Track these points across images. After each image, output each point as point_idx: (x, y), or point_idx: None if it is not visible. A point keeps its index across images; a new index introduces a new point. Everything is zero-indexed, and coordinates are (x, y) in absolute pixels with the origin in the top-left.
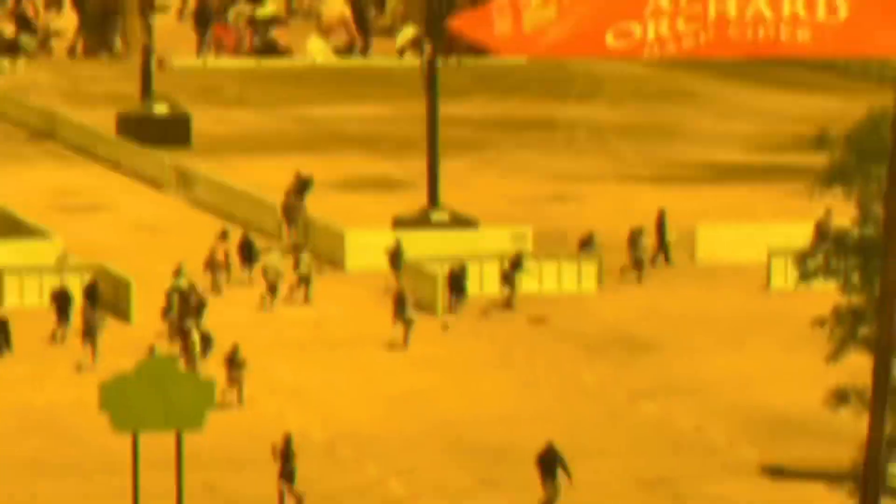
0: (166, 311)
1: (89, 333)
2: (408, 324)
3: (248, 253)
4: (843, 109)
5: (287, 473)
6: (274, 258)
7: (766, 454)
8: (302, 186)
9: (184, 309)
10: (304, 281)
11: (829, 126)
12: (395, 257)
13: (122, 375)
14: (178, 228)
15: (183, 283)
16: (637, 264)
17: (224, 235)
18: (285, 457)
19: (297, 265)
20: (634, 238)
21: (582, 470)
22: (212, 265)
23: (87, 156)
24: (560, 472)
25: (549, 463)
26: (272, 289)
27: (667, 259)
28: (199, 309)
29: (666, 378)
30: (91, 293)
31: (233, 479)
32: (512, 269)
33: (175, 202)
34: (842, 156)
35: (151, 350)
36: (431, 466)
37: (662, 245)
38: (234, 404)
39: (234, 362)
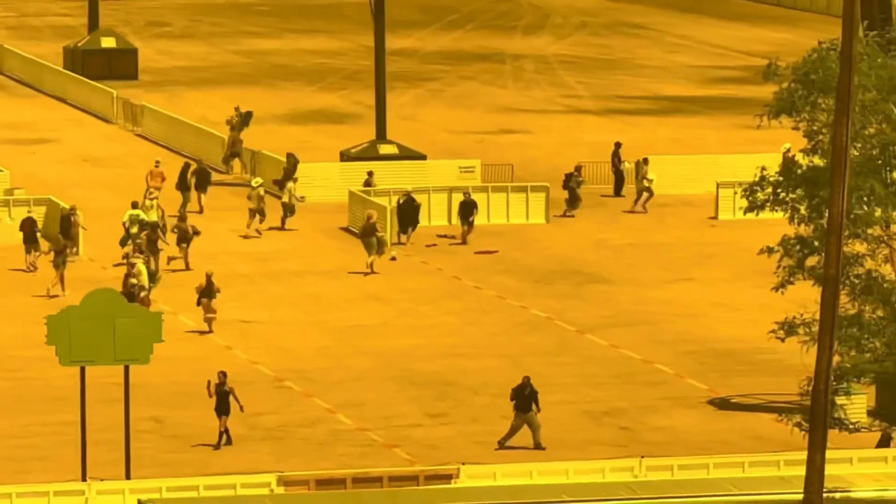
0: (124, 240)
1: (59, 263)
2: (379, 249)
3: (202, 182)
4: (790, 42)
5: (223, 408)
6: (258, 183)
7: (714, 385)
8: (243, 120)
9: (152, 238)
10: (289, 210)
11: (777, 58)
12: (368, 186)
13: (68, 309)
14: (125, 161)
15: (153, 214)
16: (640, 193)
17: (157, 164)
18: (220, 392)
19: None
20: (637, 168)
21: None
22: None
23: (35, 89)
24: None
25: (526, 397)
26: (260, 213)
27: (620, 187)
28: (189, 239)
29: (614, 310)
30: (64, 223)
31: (180, 413)
32: (467, 208)
33: (122, 135)
34: (790, 87)
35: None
36: (379, 399)
37: (619, 177)
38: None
39: (207, 290)
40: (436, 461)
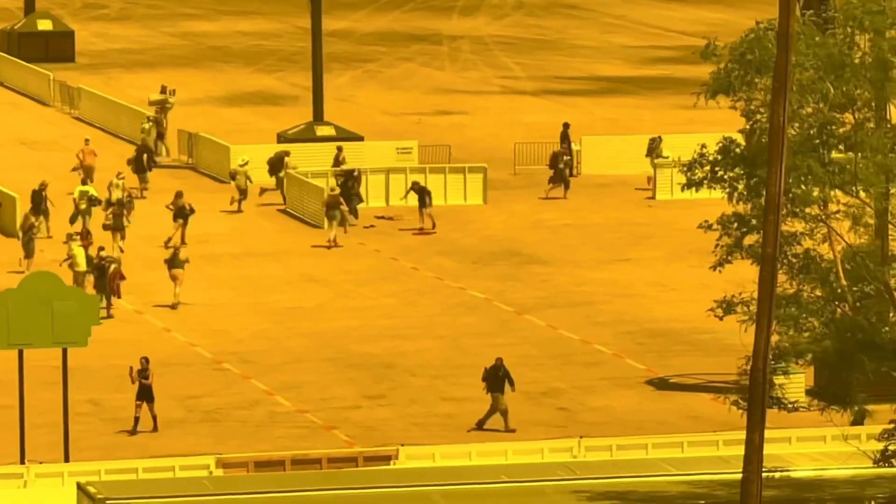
0: (73, 217)
1: (28, 240)
2: (342, 222)
3: (146, 163)
4: (727, 22)
5: (144, 395)
6: (243, 161)
7: (652, 366)
8: (164, 100)
9: (117, 213)
10: (281, 184)
11: (715, 38)
12: (338, 163)
13: (6, 292)
14: (61, 144)
15: (117, 192)
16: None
17: (87, 142)
18: (142, 379)
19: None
20: (653, 146)
21: (468, 385)
22: (84, 169)
23: None
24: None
25: (499, 378)
26: (242, 192)
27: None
28: (186, 216)
29: (552, 291)
30: (35, 198)
31: (119, 396)
32: (423, 196)
33: (59, 117)
34: (726, 67)
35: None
36: (318, 381)
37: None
38: (174, 302)
39: (174, 262)
40: (374, 442)
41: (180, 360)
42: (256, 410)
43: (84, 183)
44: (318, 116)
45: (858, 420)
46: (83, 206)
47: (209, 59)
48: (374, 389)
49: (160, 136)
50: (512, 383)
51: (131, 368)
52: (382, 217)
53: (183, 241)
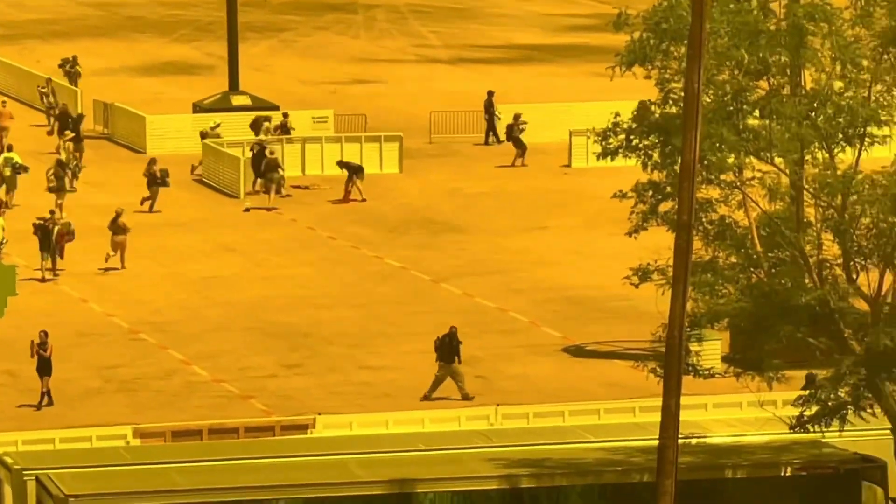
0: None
1: None
2: (277, 184)
3: (65, 125)
4: None
5: (43, 368)
6: (215, 123)
7: (569, 333)
8: (69, 73)
9: (59, 175)
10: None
11: (626, 7)
12: (283, 128)
13: None
14: None
15: (63, 154)
16: None
17: (4, 104)
18: (41, 351)
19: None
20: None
21: (385, 353)
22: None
23: None
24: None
25: (452, 347)
26: None
27: (498, 139)
28: (158, 183)
29: (468, 259)
30: None
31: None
32: (352, 169)
33: None
34: (641, 38)
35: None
36: (234, 351)
37: (492, 126)
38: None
39: (116, 227)
40: (291, 412)
41: (97, 331)
42: (173, 380)
43: (9, 149)
44: (234, 86)
45: (810, 381)
46: (7, 174)
47: (125, 29)
48: (290, 358)
49: (52, 106)
50: (458, 354)
51: (32, 342)
52: (299, 186)
53: (151, 209)
